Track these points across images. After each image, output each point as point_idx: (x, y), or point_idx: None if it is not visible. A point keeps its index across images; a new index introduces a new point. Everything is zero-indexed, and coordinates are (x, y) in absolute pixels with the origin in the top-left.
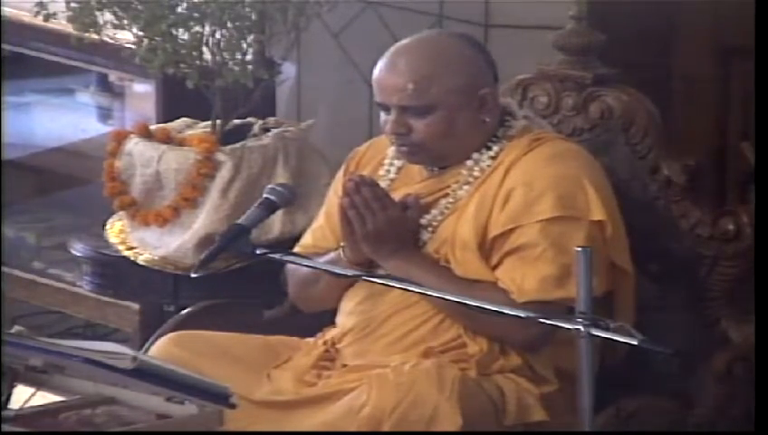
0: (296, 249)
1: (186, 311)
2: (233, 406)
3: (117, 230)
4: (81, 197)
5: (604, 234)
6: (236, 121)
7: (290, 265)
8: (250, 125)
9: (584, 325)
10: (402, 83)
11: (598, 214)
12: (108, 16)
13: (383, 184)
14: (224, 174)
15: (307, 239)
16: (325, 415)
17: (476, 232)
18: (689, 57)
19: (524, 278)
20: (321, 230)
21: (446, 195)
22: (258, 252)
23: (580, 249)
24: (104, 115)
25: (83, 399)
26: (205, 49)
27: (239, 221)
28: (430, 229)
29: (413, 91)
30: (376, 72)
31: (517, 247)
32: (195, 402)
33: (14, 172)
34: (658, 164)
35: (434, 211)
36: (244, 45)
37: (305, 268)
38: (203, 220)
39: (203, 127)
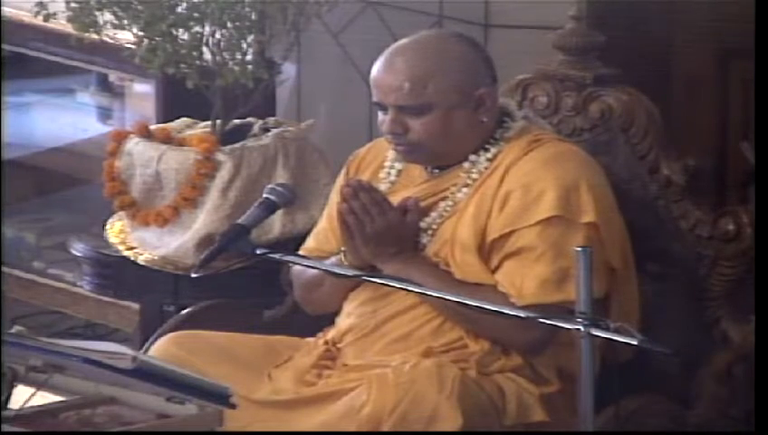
0: (300, 253)
1: (186, 311)
2: (233, 406)
3: (117, 230)
4: (81, 197)
5: (600, 235)
6: (236, 121)
7: (295, 269)
8: (250, 125)
9: (584, 326)
10: (398, 83)
11: (590, 216)
12: (108, 16)
13: (383, 187)
14: (224, 174)
15: (310, 243)
16: (325, 415)
17: (476, 234)
18: (689, 57)
19: (524, 281)
20: (323, 233)
21: (446, 197)
22: (258, 252)
23: (579, 249)
24: (104, 115)
25: (83, 399)
26: (205, 49)
27: (239, 221)
28: (430, 232)
29: (409, 90)
30: (373, 71)
31: (516, 250)
32: (195, 402)
33: (14, 172)
34: (658, 164)
35: (433, 214)
36: (244, 45)
37: (310, 271)
38: (203, 220)
39: (203, 127)
